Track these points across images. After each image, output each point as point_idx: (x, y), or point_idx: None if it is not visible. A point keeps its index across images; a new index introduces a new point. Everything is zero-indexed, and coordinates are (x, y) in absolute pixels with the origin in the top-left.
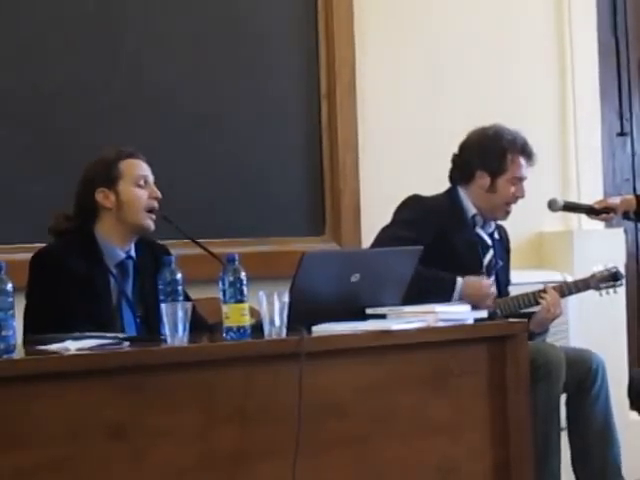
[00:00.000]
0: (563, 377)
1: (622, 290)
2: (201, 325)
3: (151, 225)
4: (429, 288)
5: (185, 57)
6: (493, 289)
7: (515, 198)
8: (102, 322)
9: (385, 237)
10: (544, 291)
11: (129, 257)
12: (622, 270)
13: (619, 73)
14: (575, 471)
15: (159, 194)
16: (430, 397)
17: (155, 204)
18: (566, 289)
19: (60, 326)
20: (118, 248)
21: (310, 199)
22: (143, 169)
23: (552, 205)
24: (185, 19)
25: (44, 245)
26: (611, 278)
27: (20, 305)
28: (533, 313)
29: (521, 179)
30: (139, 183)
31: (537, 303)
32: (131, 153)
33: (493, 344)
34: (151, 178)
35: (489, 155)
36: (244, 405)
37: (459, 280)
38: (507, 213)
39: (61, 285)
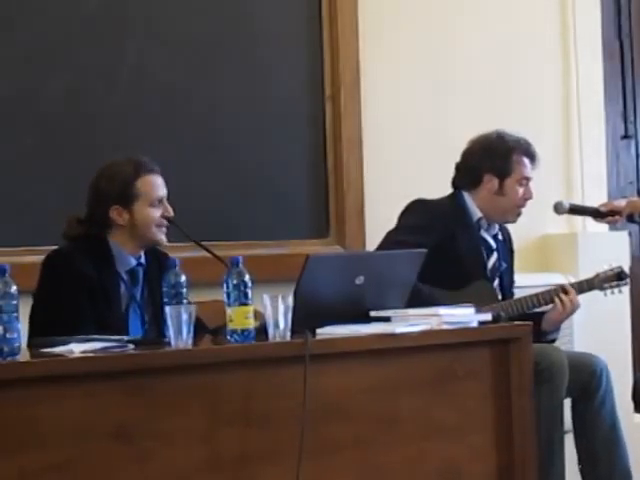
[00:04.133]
0: (566, 379)
1: (626, 292)
2: (201, 329)
3: (164, 239)
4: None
5: (187, 59)
6: None
7: (524, 200)
8: (110, 327)
9: (389, 242)
10: (563, 289)
11: (140, 264)
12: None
13: (623, 76)
14: (583, 476)
15: (172, 212)
16: (434, 400)
17: (166, 222)
18: (577, 288)
19: (68, 329)
20: (130, 255)
21: (314, 201)
22: (160, 188)
23: (558, 208)
24: (187, 20)
25: (57, 247)
26: (615, 278)
27: (25, 308)
28: (542, 313)
29: (528, 179)
30: (154, 204)
31: (551, 302)
32: (149, 169)
33: (497, 347)
34: (165, 195)
35: (496, 157)
36: (248, 408)
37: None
38: (518, 215)
39: (71, 288)
